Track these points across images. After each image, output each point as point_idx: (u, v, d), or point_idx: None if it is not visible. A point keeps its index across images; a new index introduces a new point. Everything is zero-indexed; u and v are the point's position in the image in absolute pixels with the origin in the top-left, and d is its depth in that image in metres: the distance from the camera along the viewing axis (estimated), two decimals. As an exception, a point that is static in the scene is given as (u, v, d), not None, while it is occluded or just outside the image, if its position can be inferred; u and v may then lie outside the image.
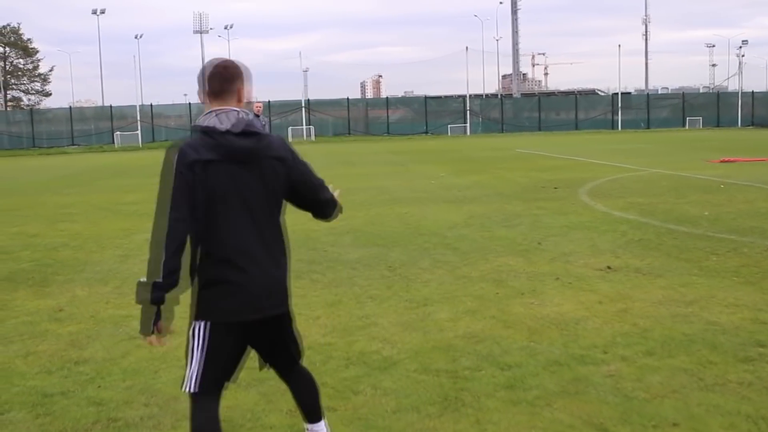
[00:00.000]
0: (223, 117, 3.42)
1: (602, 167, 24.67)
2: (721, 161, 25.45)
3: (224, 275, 3.43)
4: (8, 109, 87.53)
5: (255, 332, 3.61)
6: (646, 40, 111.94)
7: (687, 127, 76.32)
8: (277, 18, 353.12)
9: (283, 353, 3.81)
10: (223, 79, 3.50)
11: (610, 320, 6.67)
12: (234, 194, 3.41)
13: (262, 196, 3.48)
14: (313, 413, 3.97)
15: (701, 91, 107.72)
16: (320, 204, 3.83)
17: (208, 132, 3.39)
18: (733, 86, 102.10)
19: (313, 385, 3.96)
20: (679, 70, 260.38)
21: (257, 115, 18.17)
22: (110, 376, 5.60)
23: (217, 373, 3.56)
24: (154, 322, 3.40)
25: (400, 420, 4.68)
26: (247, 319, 3.49)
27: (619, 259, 9.31)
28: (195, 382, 3.51)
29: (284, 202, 3.66)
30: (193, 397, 3.53)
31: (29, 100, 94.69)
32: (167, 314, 3.45)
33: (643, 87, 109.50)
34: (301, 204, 3.78)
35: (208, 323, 3.48)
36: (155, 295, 3.33)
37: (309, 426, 3.98)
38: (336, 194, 3.95)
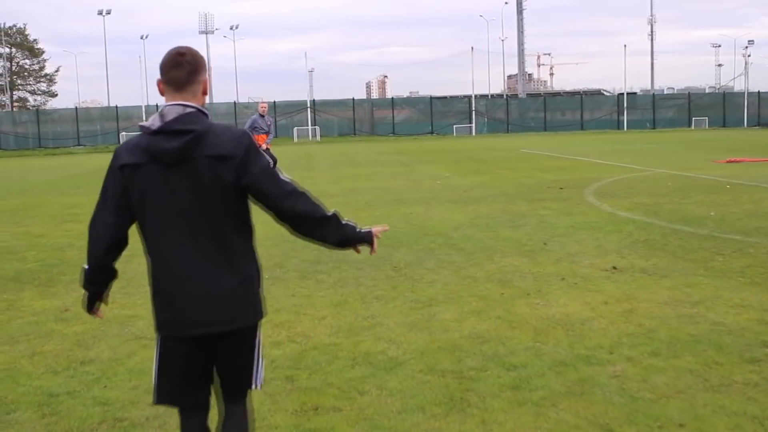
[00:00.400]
0: (166, 112, 3.15)
1: (607, 167, 24.64)
2: (727, 161, 25.41)
3: (159, 286, 3.28)
4: (14, 109, 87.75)
5: (207, 348, 3.34)
6: (652, 40, 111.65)
7: (693, 127, 76.21)
8: (282, 18, 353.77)
9: (228, 378, 3.44)
10: (191, 69, 3.22)
11: (616, 321, 6.66)
12: (164, 199, 3.16)
13: (199, 199, 3.16)
14: None
15: (707, 91, 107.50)
16: (285, 215, 3.29)
17: (143, 132, 3.18)
18: (739, 86, 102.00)
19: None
20: (684, 70, 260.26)
21: (262, 115, 18.19)
22: (116, 376, 5.61)
23: (177, 386, 3.38)
24: (91, 305, 3.52)
25: (405, 420, 4.68)
26: (184, 334, 3.26)
27: (625, 259, 9.29)
28: (154, 394, 3.44)
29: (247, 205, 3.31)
30: (179, 412, 3.50)
31: (35, 100, 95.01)
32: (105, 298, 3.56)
33: (648, 87, 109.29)
34: (270, 213, 3.32)
35: (157, 337, 3.37)
36: (84, 283, 3.46)
37: None
38: (377, 230, 3.51)
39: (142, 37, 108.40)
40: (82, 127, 72.62)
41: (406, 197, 17.32)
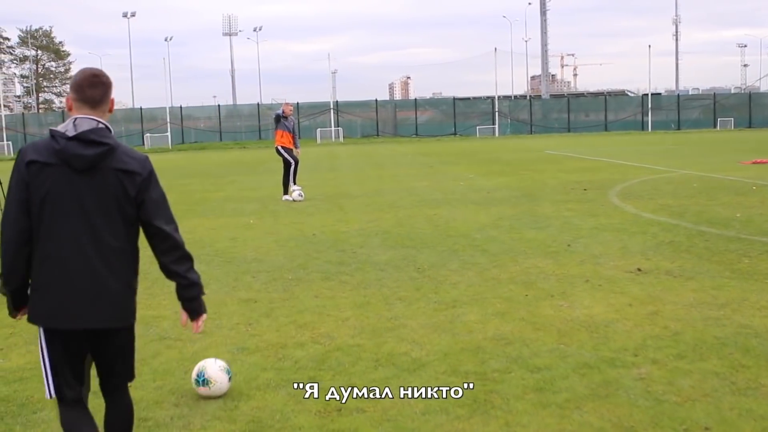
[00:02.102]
0: (79, 123, 3.45)
1: (632, 169, 24.50)
2: (753, 162, 25.16)
3: (47, 279, 3.47)
4: (40, 111, 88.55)
5: (83, 342, 3.58)
6: (677, 40, 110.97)
7: (718, 128, 75.61)
8: (305, 20, 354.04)
9: (106, 372, 3.72)
10: (105, 90, 3.56)
11: (641, 323, 6.62)
12: (68, 200, 3.43)
13: (102, 205, 3.46)
14: None
15: (733, 91, 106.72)
16: (162, 235, 3.58)
17: (55, 136, 3.44)
18: (765, 86, 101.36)
19: (126, 422, 3.80)
20: (710, 70, 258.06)
21: (286, 117, 18.21)
22: (141, 377, 5.62)
23: (67, 378, 3.59)
24: (14, 308, 3.63)
25: (429, 422, 4.68)
26: (65, 327, 3.49)
27: (650, 261, 9.24)
28: (50, 388, 3.60)
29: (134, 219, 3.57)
30: (58, 402, 3.65)
31: (61, 102, 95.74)
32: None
33: (673, 88, 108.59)
34: (145, 232, 3.61)
35: (41, 328, 3.55)
36: (5, 289, 3.59)
37: None
38: (199, 326, 3.78)
39: (166, 39, 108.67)
40: (107, 129, 73.06)
41: (430, 198, 17.31)
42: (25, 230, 3.45)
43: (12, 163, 3.67)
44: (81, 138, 3.41)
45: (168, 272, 3.66)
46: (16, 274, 3.51)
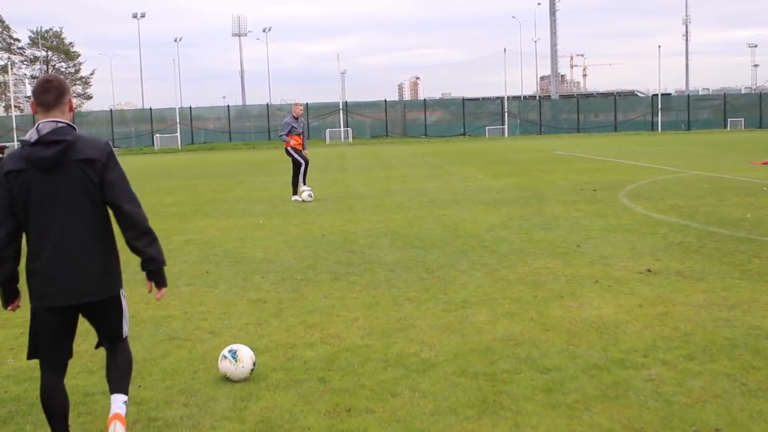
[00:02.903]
0: (41, 128, 3.94)
1: (642, 169, 24.44)
2: (764, 163, 25.06)
3: (39, 267, 4.01)
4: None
5: (74, 315, 4.18)
6: (687, 40, 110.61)
7: (728, 128, 75.36)
8: (315, 20, 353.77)
9: (105, 333, 4.37)
10: (58, 93, 4.02)
11: (651, 324, 6.60)
12: (44, 197, 3.94)
13: (73, 196, 3.97)
14: (114, 384, 4.36)
15: (743, 91, 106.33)
16: (123, 213, 4.07)
17: (23, 144, 3.97)
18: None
19: (123, 361, 4.44)
20: (720, 70, 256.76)
21: (296, 117, 18.23)
22: (150, 376, 5.66)
23: (46, 348, 4.16)
24: (5, 301, 4.17)
25: (438, 422, 4.67)
26: (60, 304, 4.05)
27: (660, 262, 9.21)
28: (29, 351, 4.22)
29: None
30: (40, 366, 4.26)
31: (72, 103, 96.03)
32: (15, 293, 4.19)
33: (683, 88, 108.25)
34: (113, 209, 4.10)
35: (32, 307, 4.11)
36: None
37: (110, 396, 4.36)
38: (161, 294, 4.35)
39: (176, 40, 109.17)
40: (116, 129, 73.49)
41: (439, 199, 17.30)
42: (12, 231, 3.99)
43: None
44: (41, 141, 3.90)
45: (130, 248, 4.19)
46: (3, 266, 4.02)
